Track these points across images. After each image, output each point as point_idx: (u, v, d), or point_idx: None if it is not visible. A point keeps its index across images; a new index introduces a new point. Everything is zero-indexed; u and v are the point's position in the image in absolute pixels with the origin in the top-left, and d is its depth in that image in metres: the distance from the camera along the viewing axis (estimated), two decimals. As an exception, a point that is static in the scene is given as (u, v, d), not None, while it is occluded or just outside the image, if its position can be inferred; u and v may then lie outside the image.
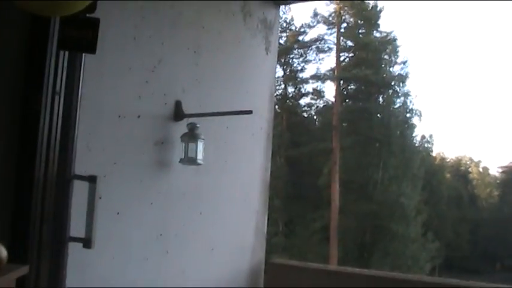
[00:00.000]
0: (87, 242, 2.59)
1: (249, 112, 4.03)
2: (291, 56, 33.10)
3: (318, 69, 35.37)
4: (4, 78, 2.49)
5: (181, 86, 3.98)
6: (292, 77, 33.16)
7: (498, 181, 62.96)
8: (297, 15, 33.25)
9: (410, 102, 31.63)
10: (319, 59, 34.05)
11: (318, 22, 32.56)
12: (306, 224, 29.52)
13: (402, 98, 31.49)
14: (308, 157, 31.02)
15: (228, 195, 4.57)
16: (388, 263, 28.55)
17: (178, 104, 3.89)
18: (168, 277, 3.89)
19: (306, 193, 30.66)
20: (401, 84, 31.44)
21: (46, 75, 2.42)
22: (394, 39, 31.79)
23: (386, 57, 31.73)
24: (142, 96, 3.60)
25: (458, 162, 62.97)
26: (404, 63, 31.89)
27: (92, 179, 2.65)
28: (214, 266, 4.42)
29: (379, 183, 29.15)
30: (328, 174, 29.28)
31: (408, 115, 31.77)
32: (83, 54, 2.62)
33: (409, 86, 32.08)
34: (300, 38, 33.44)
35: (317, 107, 34.43)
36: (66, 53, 2.52)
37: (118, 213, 3.34)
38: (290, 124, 32.02)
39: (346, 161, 29.51)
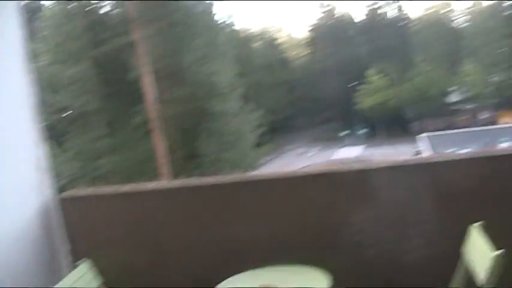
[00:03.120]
0: None
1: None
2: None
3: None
4: None
5: None
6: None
7: (305, 41, 66.23)
8: None
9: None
10: None
11: None
12: (126, 121, 29.05)
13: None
14: (113, 54, 29.90)
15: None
16: (214, 142, 29.15)
17: None
18: None
19: (119, 91, 29.93)
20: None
21: None
22: None
23: None
24: None
25: (263, 32, 65.20)
26: None
27: None
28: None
29: (189, 66, 28.99)
30: (136, 68, 28.64)
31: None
32: None
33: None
34: None
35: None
36: None
37: None
38: (88, 24, 30.39)
39: (153, 50, 28.92)
